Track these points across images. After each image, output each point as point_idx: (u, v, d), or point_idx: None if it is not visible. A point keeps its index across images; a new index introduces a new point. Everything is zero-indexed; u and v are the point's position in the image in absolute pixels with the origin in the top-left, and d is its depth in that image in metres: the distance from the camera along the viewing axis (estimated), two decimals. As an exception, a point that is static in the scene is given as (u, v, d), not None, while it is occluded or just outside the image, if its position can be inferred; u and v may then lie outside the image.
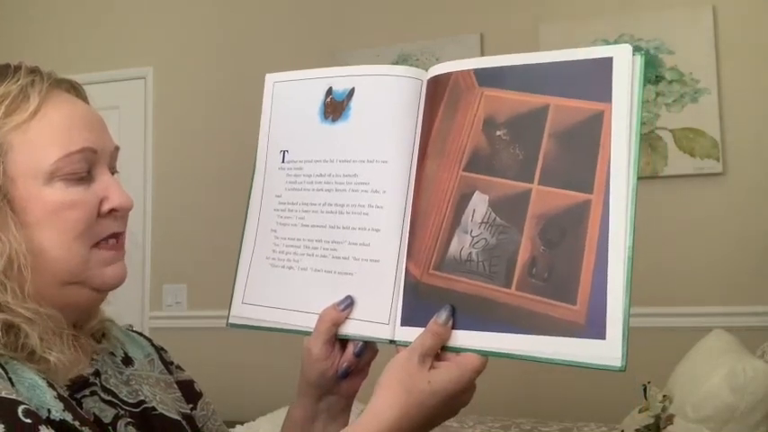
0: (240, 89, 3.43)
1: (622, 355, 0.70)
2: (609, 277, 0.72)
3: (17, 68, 0.76)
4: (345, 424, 0.88)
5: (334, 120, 0.89)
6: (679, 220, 2.79)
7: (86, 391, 0.75)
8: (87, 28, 3.80)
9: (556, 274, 0.74)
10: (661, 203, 2.81)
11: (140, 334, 0.94)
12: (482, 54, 3.13)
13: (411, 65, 3.15)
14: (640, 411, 2.21)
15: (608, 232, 0.73)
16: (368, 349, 0.84)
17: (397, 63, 3.18)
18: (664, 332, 2.63)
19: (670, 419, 2.07)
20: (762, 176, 2.76)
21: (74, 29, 3.81)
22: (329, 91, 0.90)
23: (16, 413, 0.62)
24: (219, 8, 3.61)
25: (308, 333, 0.85)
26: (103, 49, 3.73)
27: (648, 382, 2.15)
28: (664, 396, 2.17)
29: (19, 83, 0.74)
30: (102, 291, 0.78)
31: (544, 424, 2.54)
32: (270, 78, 0.96)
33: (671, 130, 2.84)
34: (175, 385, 0.89)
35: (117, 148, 0.81)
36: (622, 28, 2.94)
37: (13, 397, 0.64)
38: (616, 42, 2.94)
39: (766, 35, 2.80)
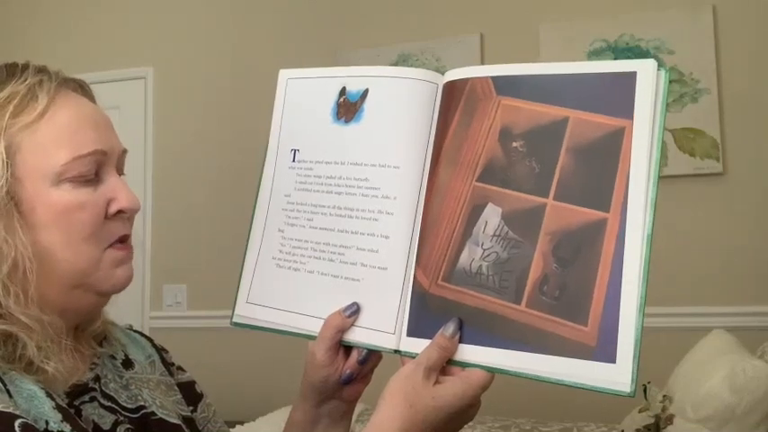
0: (240, 89, 3.44)
1: (632, 380, 0.68)
2: (622, 299, 0.70)
3: (25, 68, 0.75)
4: (346, 429, 0.88)
5: (346, 121, 0.87)
6: (679, 220, 2.79)
7: (86, 397, 0.75)
8: (87, 28, 3.78)
9: (567, 293, 0.72)
10: (661, 203, 2.78)
11: (141, 334, 0.93)
12: (482, 54, 3.12)
13: (411, 65, 3.15)
14: (640, 411, 2.21)
15: (623, 253, 0.70)
16: (372, 356, 0.84)
17: (397, 63, 3.18)
18: (664, 332, 2.62)
19: (670, 419, 2.07)
20: (762, 176, 2.76)
21: (74, 29, 3.79)
22: (343, 91, 0.89)
23: (13, 428, 0.61)
24: (219, 8, 3.60)
25: (311, 337, 0.84)
26: (103, 49, 3.72)
27: (648, 382, 2.15)
28: (664, 396, 2.16)
29: (27, 82, 0.73)
30: (107, 294, 0.78)
31: (544, 424, 2.54)
32: (283, 74, 0.94)
33: (671, 130, 2.83)
34: (176, 387, 0.89)
35: (125, 152, 0.80)
36: (622, 28, 2.94)
37: (10, 411, 0.63)
38: (616, 43, 2.93)
39: (766, 35, 2.80)
